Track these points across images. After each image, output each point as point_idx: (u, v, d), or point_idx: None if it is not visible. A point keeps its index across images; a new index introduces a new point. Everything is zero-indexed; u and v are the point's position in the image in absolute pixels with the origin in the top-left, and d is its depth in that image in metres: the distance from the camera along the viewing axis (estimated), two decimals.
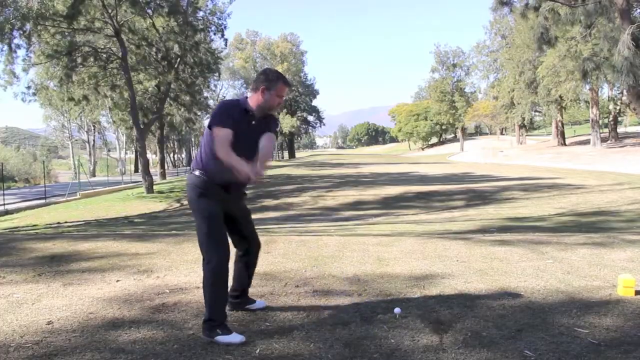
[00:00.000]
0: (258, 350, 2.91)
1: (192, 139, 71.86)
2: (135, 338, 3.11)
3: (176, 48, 26.68)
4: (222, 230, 3.29)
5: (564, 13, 16.18)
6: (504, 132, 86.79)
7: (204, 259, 3.19)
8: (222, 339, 3.05)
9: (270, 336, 3.13)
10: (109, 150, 78.51)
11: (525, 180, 22.79)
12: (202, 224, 3.20)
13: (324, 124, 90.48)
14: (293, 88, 75.42)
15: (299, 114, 78.40)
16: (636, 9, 19.25)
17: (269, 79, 3.27)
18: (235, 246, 3.55)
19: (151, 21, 25.58)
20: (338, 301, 3.83)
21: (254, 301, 3.72)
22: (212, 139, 3.15)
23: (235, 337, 3.08)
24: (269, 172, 33.35)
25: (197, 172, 3.25)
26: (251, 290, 4.10)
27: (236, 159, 3.04)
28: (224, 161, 3.06)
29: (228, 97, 68.53)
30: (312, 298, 3.93)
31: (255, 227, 3.67)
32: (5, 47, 21.38)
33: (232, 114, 3.19)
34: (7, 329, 3.30)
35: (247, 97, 3.32)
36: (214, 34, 32.22)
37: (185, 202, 20.49)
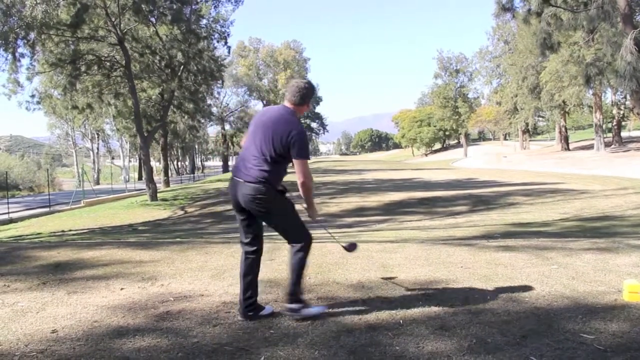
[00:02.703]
0: (262, 357, 2.91)
1: (196, 147, 72.01)
2: (140, 346, 3.11)
3: (179, 56, 26.76)
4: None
5: (567, 18, 16.21)
6: (507, 138, 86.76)
7: (297, 244, 3.60)
8: (307, 311, 3.57)
9: (275, 344, 3.12)
10: (112, 158, 78.72)
11: (529, 186, 22.75)
12: (288, 215, 3.61)
13: (327, 131, 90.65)
14: None
15: (302, 121, 78.51)
16: (638, 14, 19.25)
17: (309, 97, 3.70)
18: (248, 243, 3.71)
19: (154, 29, 25.70)
20: (342, 308, 3.82)
21: (263, 307, 3.76)
22: (301, 169, 3.50)
23: (318, 308, 3.66)
24: None
25: (261, 184, 3.49)
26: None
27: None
28: (305, 190, 3.57)
29: (232, 105, 68.84)
30: (317, 305, 3.92)
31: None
32: (10, 56, 21.49)
33: None
34: (11, 337, 3.30)
35: (293, 109, 3.67)
36: (217, 41, 32.36)
37: (190, 210, 20.50)
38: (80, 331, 3.41)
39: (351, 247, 4.02)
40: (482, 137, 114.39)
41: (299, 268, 3.58)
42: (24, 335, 3.35)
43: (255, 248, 3.71)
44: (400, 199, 19.63)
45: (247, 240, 3.70)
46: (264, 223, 3.69)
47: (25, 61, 23.24)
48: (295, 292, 3.58)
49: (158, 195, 25.47)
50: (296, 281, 3.58)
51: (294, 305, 3.56)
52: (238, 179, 3.54)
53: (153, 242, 8.36)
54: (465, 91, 76.51)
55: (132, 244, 7.66)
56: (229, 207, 21.17)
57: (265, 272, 5.08)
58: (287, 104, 3.65)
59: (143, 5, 22.81)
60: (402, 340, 3.14)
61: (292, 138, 3.47)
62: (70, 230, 15.84)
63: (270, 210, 3.54)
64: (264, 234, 3.78)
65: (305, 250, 3.59)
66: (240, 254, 3.76)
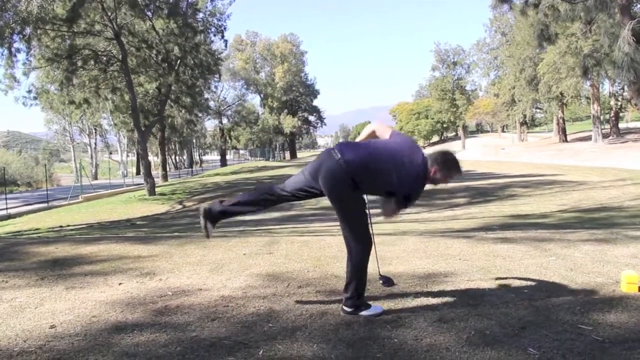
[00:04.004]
0: (261, 351, 2.91)
1: (194, 141, 71.89)
2: (138, 341, 3.11)
3: (176, 50, 26.68)
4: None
5: (564, 9, 16.17)
6: (505, 130, 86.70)
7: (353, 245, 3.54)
8: (366, 312, 3.46)
9: (274, 337, 3.12)
10: (110, 153, 78.58)
11: (527, 177, 22.77)
12: (353, 211, 3.56)
13: (325, 124, 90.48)
14: (294, 88, 75.44)
15: (300, 114, 78.43)
16: (636, 5, 19.22)
17: (449, 168, 3.59)
18: (284, 193, 3.69)
19: (151, 23, 25.61)
20: (341, 301, 3.82)
21: (211, 227, 3.75)
22: (398, 203, 3.57)
23: (376, 309, 3.51)
24: (271, 173, 33.35)
25: (346, 166, 3.40)
26: (255, 291, 4.11)
27: None
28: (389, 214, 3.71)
29: (229, 99, 68.67)
30: (315, 299, 3.93)
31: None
32: (6, 51, 21.44)
33: None
34: (10, 333, 3.30)
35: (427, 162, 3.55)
36: (214, 35, 32.27)
37: (188, 204, 20.49)
38: (79, 326, 3.41)
39: (387, 282, 3.90)
40: (479, 129, 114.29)
41: (357, 275, 3.52)
42: (22, 331, 3.34)
43: (282, 196, 3.69)
44: None
45: (285, 191, 3.67)
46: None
47: (21, 56, 23.22)
48: (352, 296, 3.51)
49: (156, 189, 25.47)
50: (355, 286, 3.51)
51: (348, 309, 3.51)
52: (335, 153, 3.43)
53: (151, 237, 8.35)
54: (463, 83, 76.42)
55: (131, 239, 7.65)
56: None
57: (264, 266, 5.09)
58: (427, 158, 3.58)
59: None
60: (401, 332, 3.15)
61: (404, 187, 3.48)
62: (68, 226, 15.83)
63: (338, 196, 3.47)
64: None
65: (362, 254, 3.52)
66: (263, 187, 3.80)
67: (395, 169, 3.42)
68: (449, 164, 3.57)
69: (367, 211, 3.74)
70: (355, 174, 3.37)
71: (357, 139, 3.90)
